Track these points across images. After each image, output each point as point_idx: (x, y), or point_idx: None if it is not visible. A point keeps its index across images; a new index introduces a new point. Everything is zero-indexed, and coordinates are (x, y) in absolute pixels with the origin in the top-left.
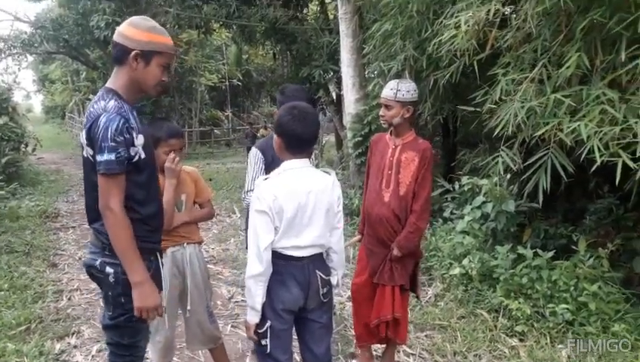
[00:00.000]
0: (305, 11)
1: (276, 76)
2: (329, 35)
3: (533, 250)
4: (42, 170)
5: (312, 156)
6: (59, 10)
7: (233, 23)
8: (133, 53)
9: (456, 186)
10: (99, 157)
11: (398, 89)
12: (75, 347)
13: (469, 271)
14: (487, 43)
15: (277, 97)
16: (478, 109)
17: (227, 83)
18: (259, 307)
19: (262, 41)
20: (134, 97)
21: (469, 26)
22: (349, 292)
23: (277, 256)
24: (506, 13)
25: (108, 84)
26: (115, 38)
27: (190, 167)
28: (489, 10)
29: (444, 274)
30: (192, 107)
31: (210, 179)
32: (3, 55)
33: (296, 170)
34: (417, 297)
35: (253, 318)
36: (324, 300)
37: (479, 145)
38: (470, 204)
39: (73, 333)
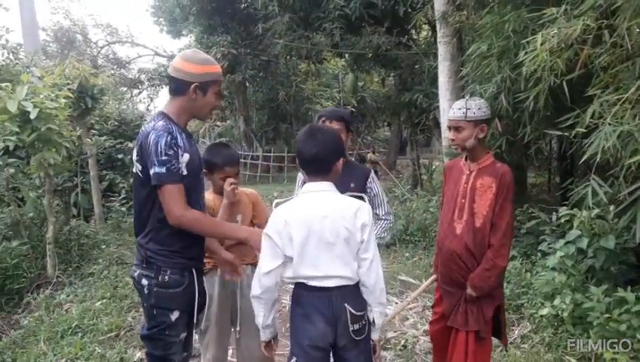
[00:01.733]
0: (407, 37)
1: (386, 102)
2: (434, 59)
3: (635, 293)
4: None
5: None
6: (195, 45)
7: (338, 52)
8: (192, 86)
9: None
10: (152, 171)
11: (468, 107)
12: None
13: (560, 312)
14: (579, 62)
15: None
16: (566, 133)
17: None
18: (261, 326)
19: (370, 69)
20: (185, 121)
21: (552, 44)
22: (426, 326)
23: (301, 287)
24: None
25: (161, 109)
26: (172, 73)
27: (251, 189)
28: (575, 28)
29: (533, 313)
30: None
31: None
32: (143, 86)
33: (312, 193)
34: (504, 345)
35: (262, 335)
36: (357, 338)
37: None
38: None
39: None
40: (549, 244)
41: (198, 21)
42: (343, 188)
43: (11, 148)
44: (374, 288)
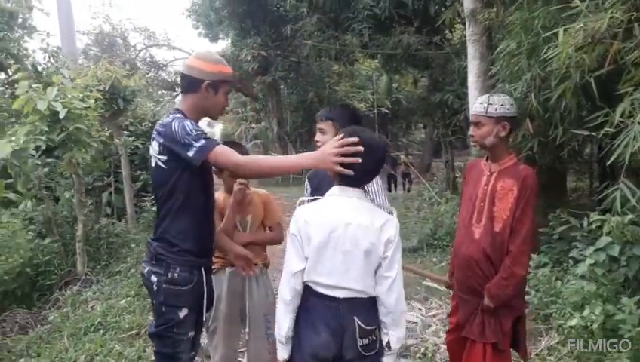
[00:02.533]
0: (439, 36)
1: (419, 103)
2: (465, 58)
3: None
4: None
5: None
6: (230, 48)
7: (367, 52)
8: (205, 83)
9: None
10: (192, 151)
11: (490, 102)
12: None
13: (590, 323)
14: (608, 57)
15: None
16: (593, 133)
17: (375, 111)
18: (284, 340)
19: (402, 69)
20: (197, 119)
21: (577, 39)
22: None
23: (310, 292)
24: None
25: (176, 106)
26: (186, 70)
27: (263, 190)
28: (602, 21)
29: (562, 324)
30: None
31: None
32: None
33: (338, 197)
34: (523, 359)
35: (281, 353)
36: (366, 354)
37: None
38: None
39: None
40: (580, 251)
41: (230, 24)
42: None
43: (43, 147)
44: (395, 309)
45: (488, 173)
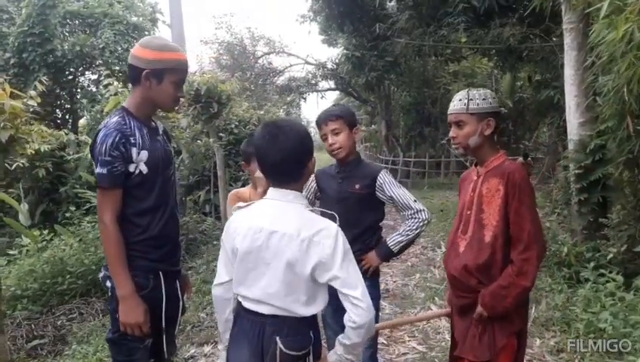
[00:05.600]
0: (541, 27)
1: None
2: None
3: None
4: None
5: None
6: (343, 52)
7: (463, 47)
8: (144, 72)
9: None
10: (96, 171)
11: (470, 98)
12: (205, 355)
13: None
14: None
15: None
16: None
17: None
18: (222, 348)
19: (517, 66)
20: (148, 114)
21: None
22: None
23: (240, 305)
24: None
25: (123, 103)
26: (129, 59)
27: None
28: None
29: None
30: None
31: (442, 210)
32: (293, 93)
33: (270, 201)
34: None
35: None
36: None
37: None
38: None
39: (214, 342)
40: None
41: (329, 25)
42: (345, 189)
43: None
44: (362, 327)
45: (475, 178)
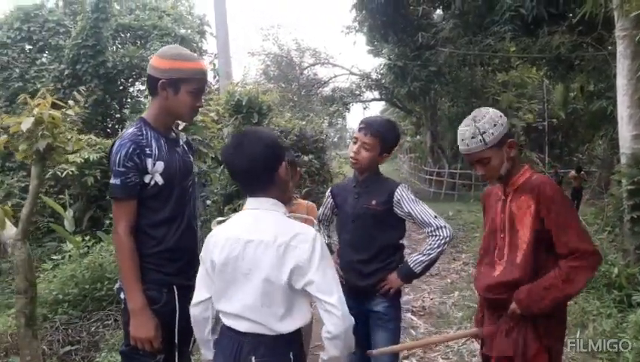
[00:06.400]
0: (593, 35)
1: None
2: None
3: None
4: None
5: None
6: (387, 61)
7: (511, 56)
8: (159, 82)
9: None
10: (110, 182)
11: (482, 131)
12: None
13: None
14: None
15: None
16: None
17: (546, 123)
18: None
19: (567, 76)
20: (166, 124)
21: None
22: None
23: (222, 321)
24: None
25: (143, 114)
26: (147, 70)
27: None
28: None
29: None
30: None
31: None
32: (336, 103)
33: (247, 211)
34: None
35: None
36: None
37: None
38: None
39: None
40: None
41: (375, 37)
42: (361, 205)
43: None
44: (337, 338)
45: (503, 198)
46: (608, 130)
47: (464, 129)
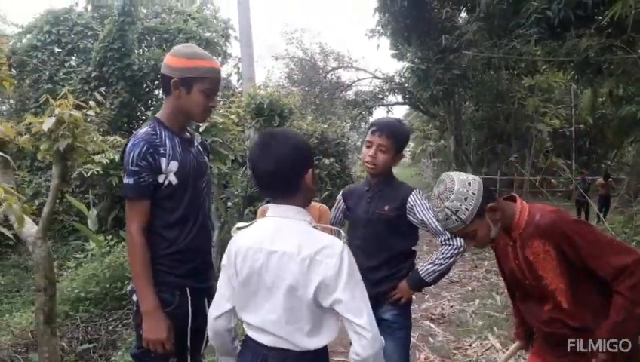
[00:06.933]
0: (623, 37)
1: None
2: None
3: None
4: None
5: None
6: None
7: (536, 60)
8: (172, 81)
9: None
10: (123, 181)
11: (455, 210)
12: None
13: None
14: None
15: None
16: None
17: (573, 129)
18: None
19: (596, 80)
20: (180, 124)
21: None
22: None
23: (246, 332)
24: None
25: (157, 114)
26: (161, 68)
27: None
28: None
29: None
30: (525, 154)
31: None
32: (359, 107)
33: (270, 218)
34: None
35: None
36: None
37: None
38: None
39: None
40: None
41: (398, 40)
42: (374, 210)
43: None
44: (368, 360)
45: (511, 243)
46: (638, 136)
47: (435, 211)
